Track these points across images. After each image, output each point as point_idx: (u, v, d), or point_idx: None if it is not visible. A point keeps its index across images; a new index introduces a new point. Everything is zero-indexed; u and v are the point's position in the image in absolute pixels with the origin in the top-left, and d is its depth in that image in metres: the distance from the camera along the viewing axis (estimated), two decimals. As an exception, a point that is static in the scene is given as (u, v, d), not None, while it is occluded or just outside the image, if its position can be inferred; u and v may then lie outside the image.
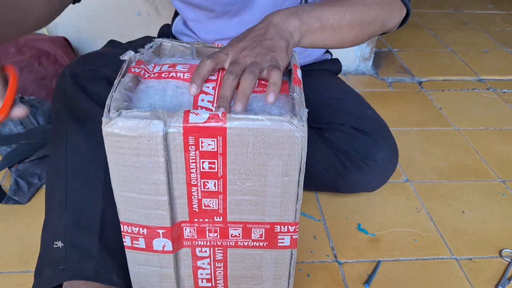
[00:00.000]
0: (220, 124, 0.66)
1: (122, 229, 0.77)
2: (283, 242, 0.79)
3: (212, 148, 0.68)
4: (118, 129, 0.67)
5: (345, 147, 1.08)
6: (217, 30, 1.12)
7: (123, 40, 1.16)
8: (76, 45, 1.74)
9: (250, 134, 0.67)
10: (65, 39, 1.64)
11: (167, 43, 0.88)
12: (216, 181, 0.72)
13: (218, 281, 0.85)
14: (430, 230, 1.15)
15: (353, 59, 1.91)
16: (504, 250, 1.10)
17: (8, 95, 0.95)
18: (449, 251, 1.09)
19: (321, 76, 1.24)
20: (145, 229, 0.76)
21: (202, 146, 0.68)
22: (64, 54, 1.58)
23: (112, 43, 1.13)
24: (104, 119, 0.68)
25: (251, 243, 0.79)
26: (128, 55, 0.80)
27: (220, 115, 0.66)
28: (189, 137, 0.67)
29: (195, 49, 0.87)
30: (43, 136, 1.26)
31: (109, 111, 0.68)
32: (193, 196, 0.74)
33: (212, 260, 0.82)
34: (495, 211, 1.22)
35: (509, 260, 1.07)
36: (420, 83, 1.87)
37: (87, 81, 0.95)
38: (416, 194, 1.27)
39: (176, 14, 1.24)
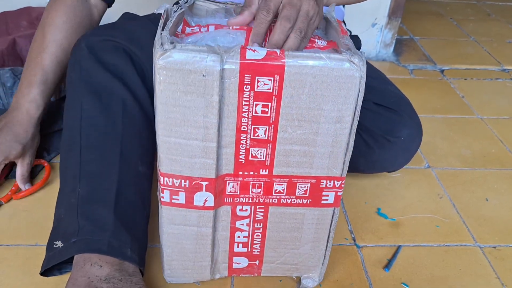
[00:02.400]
0: (278, 62, 0.63)
1: (161, 182, 0.73)
2: (327, 199, 0.77)
3: (268, 89, 0.65)
4: (173, 62, 0.63)
5: (367, 123, 1.04)
6: None
7: (139, 14, 1.12)
8: (91, 22, 1.71)
9: (308, 73, 0.64)
10: (80, 15, 1.61)
11: (200, 2, 0.83)
12: (267, 127, 0.69)
13: (254, 246, 0.83)
14: (453, 217, 1.11)
15: (374, 45, 1.87)
16: (530, 239, 1.05)
17: (36, 186, 1.08)
18: (472, 238, 1.05)
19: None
20: (187, 181, 0.73)
21: (257, 86, 0.65)
22: (79, 30, 1.55)
23: (127, 16, 1.10)
24: (158, 51, 0.63)
25: (294, 200, 0.77)
26: (163, 7, 0.75)
27: (278, 52, 0.63)
28: (245, 75, 0.64)
29: (230, 8, 0.82)
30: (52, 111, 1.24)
31: (162, 44, 0.64)
32: (241, 145, 0.71)
33: (252, 220, 0.79)
34: (520, 200, 1.18)
35: (536, 249, 1.03)
36: (442, 71, 1.82)
37: (103, 52, 0.92)
38: (438, 180, 1.23)
39: None
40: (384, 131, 1.03)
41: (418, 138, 1.06)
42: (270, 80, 0.65)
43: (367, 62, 1.20)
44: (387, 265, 0.96)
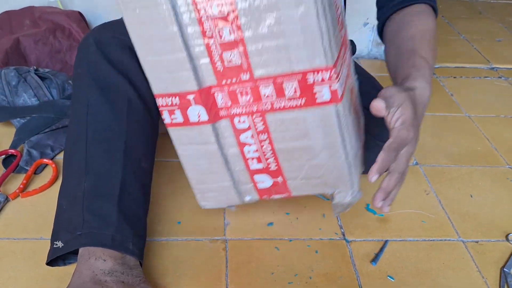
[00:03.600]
0: None
1: (158, 104, 0.77)
2: (322, 96, 0.72)
3: None
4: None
5: None
6: None
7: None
8: (91, 19, 1.75)
9: None
10: (80, 14, 1.65)
11: None
12: (230, 27, 0.68)
13: (268, 160, 0.82)
14: (438, 213, 1.16)
15: (366, 44, 1.91)
16: (511, 234, 1.10)
17: (43, 187, 1.13)
18: (456, 233, 1.10)
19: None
20: (177, 98, 0.75)
21: None
22: (79, 28, 1.59)
23: None
24: None
25: (287, 103, 0.74)
26: None
27: None
28: None
29: None
30: (55, 110, 1.27)
31: None
32: (212, 52, 0.71)
33: (255, 131, 0.78)
34: (503, 196, 1.23)
35: (515, 244, 1.08)
36: (432, 69, 1.86)
37: (110, 49, 0.95)
38: (425, 177, 1.28)
39: None
40: (373, 135, 1.07)
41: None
42: None
43: (358, 67, 1.25)
44: (374, 259, 1.02)
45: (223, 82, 0.74)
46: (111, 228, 0.85)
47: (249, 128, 0.78)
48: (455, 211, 1.17)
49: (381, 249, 1.04)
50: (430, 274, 1.00)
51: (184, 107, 0.76)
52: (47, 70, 1.39)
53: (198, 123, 0.77)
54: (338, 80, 0.71)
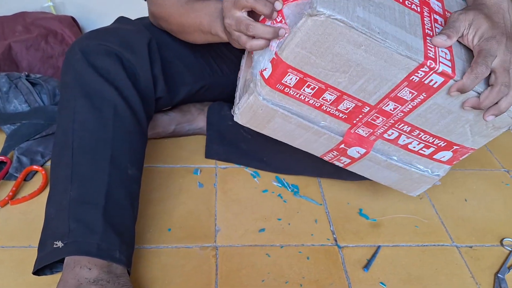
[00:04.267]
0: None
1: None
2: (436, 82, 0.75)
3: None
4: (244, 117, 0.87)
5: None
6: None
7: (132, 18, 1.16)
8: (84, 24, 1.74)
9: None
10: (73, 19, 1.64)
11: None
12: (328, 92, 0.79)
13: (435, 142, 0.87)
14: (432, 217, 1.15)
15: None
16: (505, 239, 1.09)
17: (33, 194, 1.11)
18: (450, 239, 1.09)
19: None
20: (334, 151, 0.92)
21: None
22: (72, 33, 1.58)
23: (121, 20, 1.13)
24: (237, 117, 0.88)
25: (412, 104, 0.79)
26: None
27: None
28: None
29: None
30: (46, 117, 1.26)
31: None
32: (330, 111, 0.83)
33: (405, 134, 0.86)
34: (498, 200, 1.22)
35: (510, 249, 1.07)
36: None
37: (96, 57, 0.95)
38: (419, 181, 1.26)
39: None
40: None
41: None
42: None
43: None
44: (366, 265, 1.00)
45: (354, 121, 0.84)
46: (97, 236, 0.84)
47: (400, 135, 0.85)
48: (449, 215, 1.16)
49: (373, 255, 1.03)
50: (423, 280, 0.98)
51: (343, 154, 0.91)
52: (38, 76, 1.38)
53: (360, 157, 0.91)
54: (439, 62, 0.73)
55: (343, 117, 0.83)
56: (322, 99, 0.80)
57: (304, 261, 1.01)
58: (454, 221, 1.14)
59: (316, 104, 0.81)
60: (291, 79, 0.77)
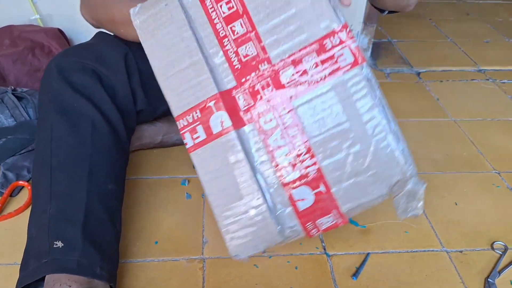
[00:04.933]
0: None
1: (180, 127, 0.76)
2: (345, 59, 0.70)
3: None
4: (142, 14, 0.76)
5: None
6: None
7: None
8: (71, 36, 1.73)
9: None
10: (60, 31, 1.64)
11: None
12: (241, 19, 0.72)
13: (304, 162, 0.72)
14: (422, 222, 1.14)
15: (351, 50, 1.89)
16: (496, 243, 1.08)
17: (22, 207, 1.11)
18: (440, 243, 1.08)
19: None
20: (197, 111, 0.74)
21: None
22: (59, 45, 1.57)
23: (99, 35, 1.13)
24: (132, 17, 0.77)
25: (310, 79, 0.71)
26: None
27: None
28: None
29: None
30: (32, 131, 1.25)
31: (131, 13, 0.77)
32: (228, 51, 0.73)
33: (283, 129, 0.73)
34: (489, 203, 1.21)
35: (500, 252, 1.06)
36: (418, 74, 1.85)
37: (72, 73, 0.95)
38: (409, 185, 1.25)
39: None
40: None
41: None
42: None
43: None
44: (355, 273, 0.99)
45: (243, 80, 0.74)
46: (76, 253, 0.83)
47: (276, 126, 0.73)
48: (439, 220, 1.15)
49: (363, 263, 1.02)
50: (412, 287, 0.97)
51: (205, 119, 0.74)
52: (25, 89, 1.38)
53: (222, 132, 0.74)
54: (355, 41, 0.69)
55: (236, 66, 0.74)
56: (230, 28, 0.73)
57: (292, 271, 1.00)
58: (444, 226, 1.13)
59: (220, 32, 0.74)
60: None
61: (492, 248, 1.07)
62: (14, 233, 1.06)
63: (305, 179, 0.73)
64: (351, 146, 0.71)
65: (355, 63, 0.70)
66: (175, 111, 0.76)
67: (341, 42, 0.69)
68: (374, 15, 1.83)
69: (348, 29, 0.69)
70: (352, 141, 0.71)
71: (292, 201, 0.74)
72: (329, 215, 0.74)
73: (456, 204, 1.20)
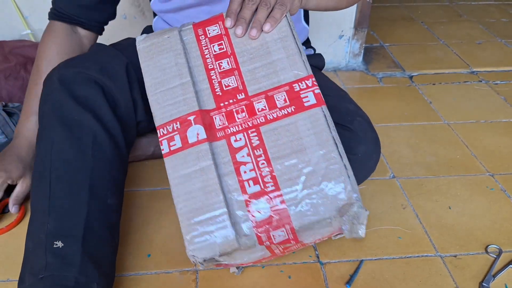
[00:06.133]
0: (219, 14, 0.92)
1: (159, 136, 0.84)
2: (309, 101, 0.83)
3: (217, 32, 0.90)
4: (146, 42, 0.93)
5: None
6: (190, 19, 1.11)
7: (110, 43, 1.16)
8: (63, 50, 1.73)
9: None
10: (51, 45, 1.64)
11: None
12: (228, 59, 0.88)
13: (265, 178, 0.80)
14: (415, 227, 1.14)
15: (343, 55, 1.89)
16: (490, 246, 1.08)
17: (13, 223, 1.12)
18: (433, 248, 1.08)
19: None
20: (178, 122, 0.84)
21: (209, 33, 0.91)
22: (50, 60, 1.57)
23: (99, 46, 1.13)
24: (137, 43, 0.93)
25: (279, 113, 0.83)
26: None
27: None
28: (198, 29, 0.92)
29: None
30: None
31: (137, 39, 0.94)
32: (213, 80, 0.87)
33: (250, 148, 0.82)
34: (483, 206, 1.21)
35: (495, 256, 1.06)
36: (411, 77, 1.85)
37: (74, 85, 0.95)
38: (402, 190, 1.25)
39: (155, 14, 1.25)
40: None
41: (375, 154, 1.08)
42: (217, 26, 0.91)
43: (328, 81, 1.23)
44: (349, 281, 0.99)
45: (221, 104, 0.85)
46: (74, 269, 0.83)
47: (245, 145, 0.82)
48: (432, 224, 1.15)
49: (356, 270, 1.02)
50: (406, 294, 0.97)
51: (183, 130, 0.83)
52: (16, 104, 1.38)
53: (196, 142, 0.82)
54: (318, 88, 0.84)
55: (217, 93, 0.86)
56: (218, 63, 0.88)
57: (285, 281, 1.00)
58: (438, 230, 1.13)
59: (209, 65, 0.88)
60: (214, 29, 0.91)
61: (487, 252, 1.07)
62: (7, 250, 1.06)
63: (264, 193, 0.80)
64: (305, 168, 0.80)
65: (317, 104, 0.82)
66: (158, 121, 0.85)
67: (307, 87, 0.84)
68: (365, 20, 1.83)
69: (313, 79, 0.84)
70: (307, 164, 0.80)
71: (250, 212, 0.80)
72: (282, 229, 0.79)
73: (449, 208, 1.20)
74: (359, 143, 1.04)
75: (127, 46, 1.13)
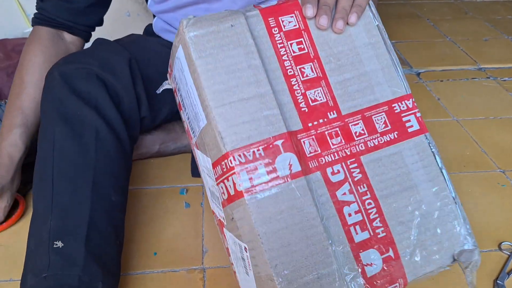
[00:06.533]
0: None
1: (232, 165, 0.64)
2: (412, 126, 0.71)
3: (294, 25, 0.70)
4: (199, 28, 0.66)
5: None
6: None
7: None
8: (66, 48, 1.72)
9: None
10: (53, 42, 1.62)
11: None
12: (312, 64, 0.69)
13: (374, 222, 0.67)
14: (427, 224, 1.11)
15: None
16: (503, 243, 1.06)
17: (13, 219, 1.08)
18: (446, 246, 1.06)
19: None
20: (260, 148, 0.64)
21: (284, 26, 0.69)
22: (53, 57, 1.56)
23: (99, 41, 1.11)
24: (185, 28, 0.66)
25: (381, 139, 0.69)
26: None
27: None
28: (269, 19, 0.69)
29: None
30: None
31: (183, 23, 0.67)
32: (296, 92, 0.68)
33: (352, 183, 0.67)
34: (494, 203, 1.18)
35: (508, 253, 1.03)
36: (418, 74, 1.83)
37: (76, 80, 0.93)
38: (413, 187, 1.23)
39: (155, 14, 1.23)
40: None
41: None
42: (292, 16, 0.70)
43: None
44: (360, 279, 0.97)
45: (309, 124, 0.68)
46: (77, 268, 0.81)
47: (345, 179, 0.67)
48: (444, 221, 1.12)
49: (367, 268, 0.99)
50: (419, 291, 0.95)
51: (270, 159, 0.64)
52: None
53: (290, 176, 0.64)
54: (419, 111, 0.72)
55: (303, 109, 0.68)
56: (300, 69, 0.69)
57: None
58: (450, 227, 1.11)
59: (289, 71, 0.69)
60: (290, 21, 0.70)
61: (500, 249, 1.05)
62: (9, 249, 1.04)
63: (374, 242, 0.68)
64: (418, 209, 0.70)
65: (421, 131, 0.72)
66: (228, 143, 0.64)
67: (408, 108, 0.71)
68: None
69: (413, 99, 0.71)
70: (419, 205, 0.70)
71: (360, 265, 0.66)
72: (395, 284, 0.68)
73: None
74: None
75: (131, 42, 1.12)
